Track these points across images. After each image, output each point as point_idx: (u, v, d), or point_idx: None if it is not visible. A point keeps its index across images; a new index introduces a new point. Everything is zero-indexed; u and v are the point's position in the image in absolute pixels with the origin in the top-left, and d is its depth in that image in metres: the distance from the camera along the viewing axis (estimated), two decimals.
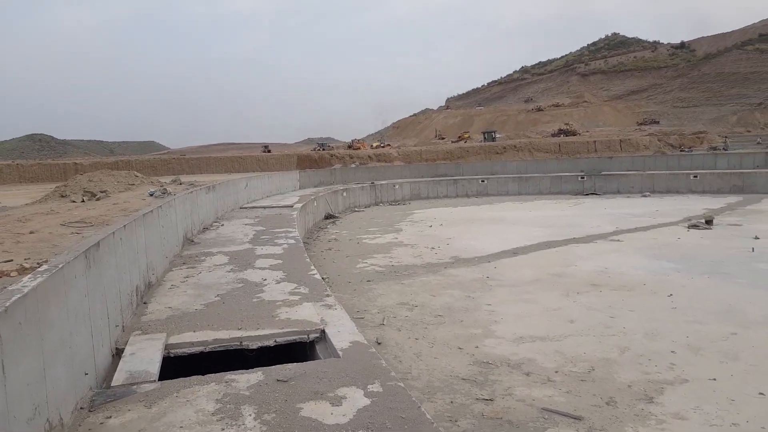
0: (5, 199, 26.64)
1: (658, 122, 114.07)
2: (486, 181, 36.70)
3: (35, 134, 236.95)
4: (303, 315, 6.42)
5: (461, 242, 18.68)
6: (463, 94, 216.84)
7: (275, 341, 5.69)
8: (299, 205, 20.37)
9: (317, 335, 5.81)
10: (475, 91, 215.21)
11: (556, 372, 7.73)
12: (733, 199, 28.00)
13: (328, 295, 7.27)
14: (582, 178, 35.39)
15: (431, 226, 22.88)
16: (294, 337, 5.76)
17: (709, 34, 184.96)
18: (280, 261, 9.85)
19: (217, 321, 6.35)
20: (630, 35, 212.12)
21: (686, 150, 63.12)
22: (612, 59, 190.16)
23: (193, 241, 12.34)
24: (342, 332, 5.73)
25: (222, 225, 15.22)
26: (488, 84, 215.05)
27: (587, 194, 34.12)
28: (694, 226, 19.55)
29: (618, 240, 18.05)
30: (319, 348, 5.65)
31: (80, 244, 4.96)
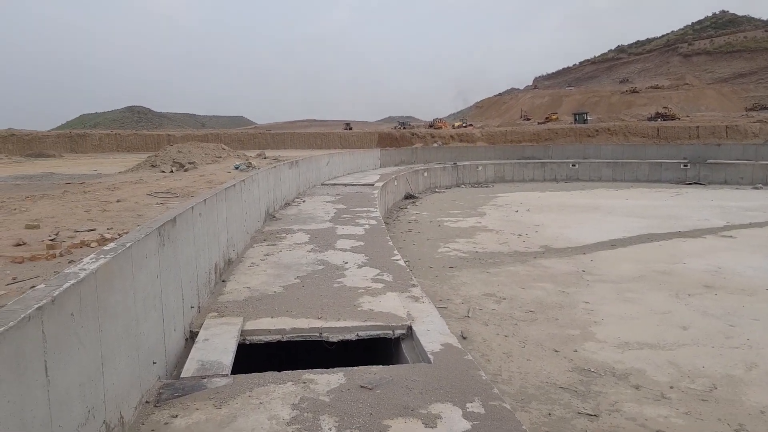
0: (103, 166, 28.03)
1: None
2: (577, 166, 34.68)
3: (134, 106, 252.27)
4: (387, 306, 5.82)
5: (551, 230, 17.49)
6: (553, 73, 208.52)
7: (357, 335, 5.13)
8: (380, 184, 19.87)
9: (403, 332, 5.19)
10: (566, 71, 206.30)
11: (671, 388, 6.73)
12: None
13: (414, 285, 6.64)
14: (685, 165, 32.63)
15: (517, 212, 21.72)
16: (378, 332, 5.17)
17: None
18: (362, 243, 9.33)
19: (296, 306, 5.89)
20: (741, 13, 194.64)
21: None
22: (719, 39, 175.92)
23: (275, 216, 12.10)
24: (431, 331, 5.07)
25: (303, 201, 14.97)
26: (580, 63, 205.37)
27: (690, 183, 31.44)
28: None
29: (730, 236, 16.23)
30: (405, 347, 5.03)
31: (154, 220, 4.57)
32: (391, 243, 9.29)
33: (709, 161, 32.56)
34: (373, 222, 11.48)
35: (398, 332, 5.18)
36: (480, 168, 33.87)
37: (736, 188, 29.13)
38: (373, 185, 19.58)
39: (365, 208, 13.56)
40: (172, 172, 20.49)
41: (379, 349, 5.36)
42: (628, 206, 22.71)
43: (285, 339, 5.03)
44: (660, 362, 7.42)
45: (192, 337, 4.99)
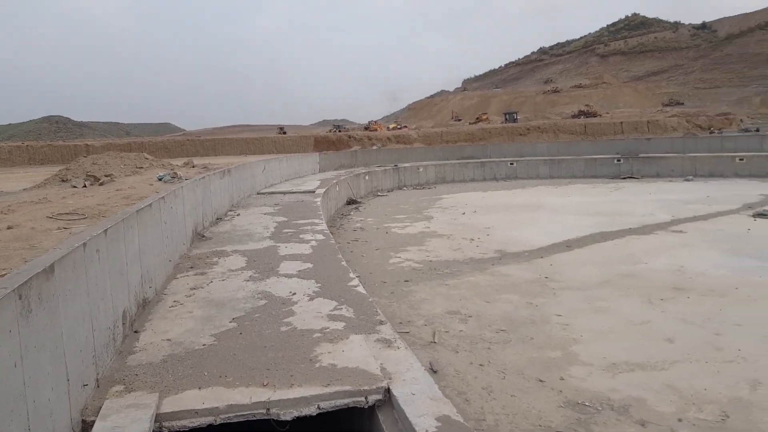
0: (8, 182, 25.06)
1: (682, 104, 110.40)
2: (515, 164, 34.53)
3: (52, 116, 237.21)
4: (353, 358, 4.56)
5: (503, 233, 16.72)
6: (480, 75, 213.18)
7: (318, 407, 3.84)
8: (321, 191, 18.50)
9: (379, 397, 3.95)
10: (492, 73, 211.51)
11: (680, 420, 5.83)
12: None
13: (382, 322, 5.40)
14: (618, 160, 33.09)
15: (464, 213, 20.91)
16: (346, 400, 3.90)
17: (732, 15, 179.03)
18: (310, 265, 8.00)
19: (232, 367, 4.52)
20: (650, 15, 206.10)
21: (717, 132, 60.12)
22: (632, 40, 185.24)
23: (204, 236, 10.54)
24: (418, 395, 3.85)
25: (238, 215, 13.42)
26: (505, 65, 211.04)
27: (624, 178, 31.87)
28: (761, 215, 17.41)
29: (680, 231, 15.98)
30: (383, 419, 3.80)
31: (14, 274, 3.10)
32: (344, 263, 8.01)
33: (640, 155, 33.18)
34: (321, 237, 10.15)
35: (373, 398, 3.92)
36: (421, 169, 33.07)
37: (669, 181, 29.70)
38: (314, 192, 18.19)
39: (309, 220, 12.20)
40: (84, 186, 18.23)
41: (351, 421, 4.10)
42: (572, 203, 22.42)
43: (219, 422, 3.68)
44: (658, 387, 6.54)
45: (85, 429, 3.54)
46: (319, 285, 6.83)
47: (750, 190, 24.13)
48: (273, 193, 18.10)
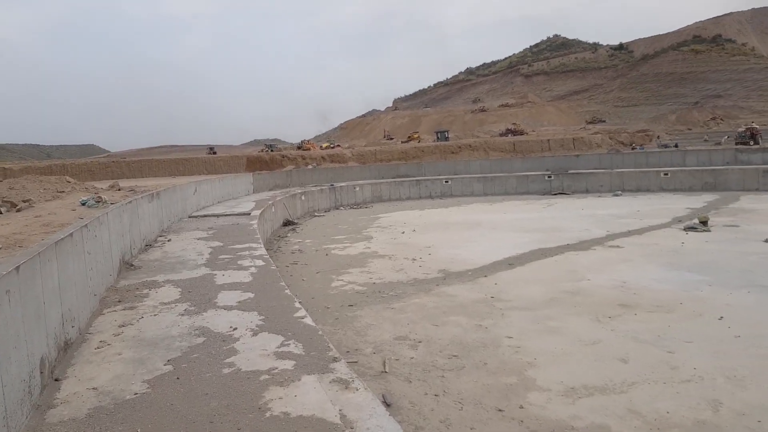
0: None
1: (604, 121, 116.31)
2: (450, 182, 34.87)
3: None
4: (308, 404, 4.07)
5: (444, 251, 16.59)
6: (411, 95, 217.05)
7: None
8: (257, 212, 17.77)
9: None
10: (422, 92, 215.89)
11: None
12: (709, 197, 27.14)
13: (335, 359, 4.94)
14: (549, 177, 34.09)
15: (404, 233, 20.71)
16: None
17: (646, 36, 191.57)
18: (251, 294, 7.41)
19: (170, 421, 3.93)
20: (571, 37, 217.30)
21: (638, 147, 63.46)
22: (554, 60, 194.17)
23: (132, 265, 9.69)
24: None
25: (169, 240, 12.55)
26: (434, 85, 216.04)
27: (555, 194, 32.82)
28: (692, 228, 18.19)
29: (617, 246, 16.39)
30: None
31: None
32: (288, 291, 7.47)
33: (570, 171, 34.32)
34: (260, 263, 9.54)
35: None
36: (357, 188, 32.76)
37: (599, 196, 30.80)
38: (249, 214, 17.43)
39: (246, 244, 11.53)
40: (0, 213, 16.69)
41: None
42: (509, 220, 22.71)
43: None
44: (619, 411, 6.39)
45: None
46: (262, 317, 6.28)
47: (676, 203, 25.32)
48: (206, 216, 17.20)
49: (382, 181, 35.01)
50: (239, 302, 7.04)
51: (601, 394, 6.84)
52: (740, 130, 56.87)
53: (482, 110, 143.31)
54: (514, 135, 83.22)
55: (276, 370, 4.75)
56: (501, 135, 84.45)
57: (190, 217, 17.02)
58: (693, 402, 6.50)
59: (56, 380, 4.79)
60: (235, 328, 5.97)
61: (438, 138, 78.51)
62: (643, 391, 6.88)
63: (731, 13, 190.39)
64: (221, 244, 11.74)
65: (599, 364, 7.77)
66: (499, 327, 9.62)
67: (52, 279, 5.21)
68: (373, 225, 23.48)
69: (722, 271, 12.63)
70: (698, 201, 25.74)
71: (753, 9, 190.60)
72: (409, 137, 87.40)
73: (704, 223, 18.38)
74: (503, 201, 30.63)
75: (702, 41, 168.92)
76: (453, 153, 64.70)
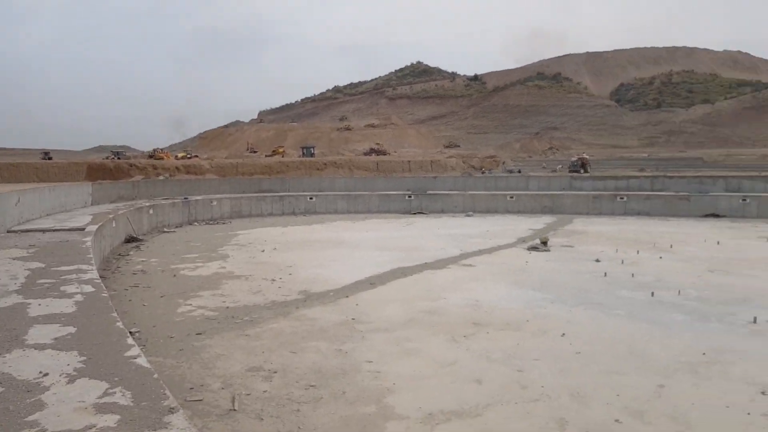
0: None
1: (459, 146, 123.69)
2: (314, 198, 34.44)
3: None
4: None
5: (306, 271, 16.04)
6: (277, 108, 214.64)
7: None
8: (94, 228, 15.87)
9: None
10: (289, 107, 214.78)
11: None
12: (547, 219, 29.52)
13: (172, 409, 4.17)
14: (409, 196, 35.03)
15: (263, 251, 19.82)
16: None
17: (497, 70, 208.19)
18: (72, 329, 6.28)
19: None
20: (432, 65, 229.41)
21: (487, 172, 68.11)
22: (416, 86, 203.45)
23: None
24: None
25: None
26: (301, 100, 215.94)
27: (414, 213, 33.75)
28: (534, 248, 19.47)
29: (470, 265, 16.99)
30: None
31: None
32: (120, 324, 6.44)
33: (428, 192, 35.57)
34: (89, 289, 8.26)
35: None
36: (215, 203, 31.06)
37: (453, 216, 32.18)
38: (83, 229, 15.49)
39: (75, 266, 10.05)
40: None
41: None
42: (370, 239, 22.76)
43: None
44: None
45: None
46: (83, 358, 5.27)
47: (521, 224, 27.14)
48: (29, 231, 14.98)
49: (242, 195, 33.59)
50: (56, 339, 5.92)
51: (458, 419, 6.73)
52: (573, 159, 63.38)
53: (348, 129, 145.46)
54: (378, 155, 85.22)
55: (94, 430, 3.89)
56: (365, 154, 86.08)
57: (9, 231, 14.71)
58: (542, 422, 6.62)
59: None
60: (46, 374, 4.92)
61: (304, 153, 77.99)
62: (496, 412, 6.89)
63: (569, 54, 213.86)
64: (43, 265, 10.13)
65: (455, 386, 7.71)
66: (359, 351, 9.29)
67: None
68: (230, 242, 22.23)
69: (561, 288, 13.53)
70: (539, 222, 27.88)
71: (587, 52, 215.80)
72: (273, 151, 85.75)
73: (545, 243, 19.79)
74: (366, 219, 30.81)
75: (544, 78, 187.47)
76: (318, 169, 64.44)
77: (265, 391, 7.64)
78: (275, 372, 8.35)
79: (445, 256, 18.41)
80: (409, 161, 73.60)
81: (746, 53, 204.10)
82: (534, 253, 18.94)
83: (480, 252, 19.32)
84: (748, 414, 6.75)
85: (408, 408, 7.05)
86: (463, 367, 8.47)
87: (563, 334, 10.00)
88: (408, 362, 8.73)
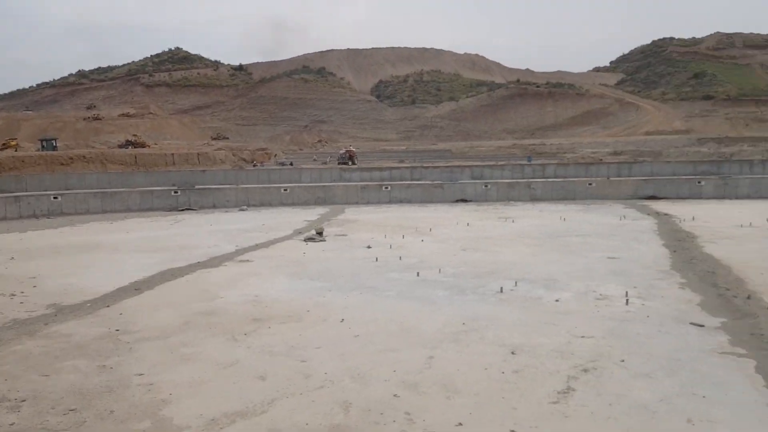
0: None
1: (228, 138, 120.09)
2: (60, 198, 30.16)
3: None
4: None
5: (55, 281, 14.02)
6: (6, 94, 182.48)
7: None
8: None
9: None
10: (22, 92, 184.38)
11: None
12: (321, 210, 30.41)
13: None
14: (176, 192, 32.88)
15: None
16: None
17: (264, 61, 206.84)
18: None
19: None
20: (193, 52, 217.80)
21: (259, 164, 67.49)
22: (176, 73, 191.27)
23: None
24: None
25: None
26: (38, 85, 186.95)
27: (183, 210, 31.86)
28: (310, 239, 19.90)
29: (247, 260, 16.67)
30: None
31: None
32: None
33: (197, 187, 33.85)
34: None
35: None
36: None
37: (226, 211, 31.17)
38: None
39: None
40: None
41: None
42: (133, 240, 20.87)
43: None
44: None
45: None
46: None
47: (296, 216, 27.44)
48: None
49: None
50: None
51: (243, 419, 6.57)
52: (341, 152, 66.33)
53: (97, 118, 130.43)
54: (135, 147, 78.16)
55: None
56: (120, 146, 78.23)
57: None
58: (327, 408, 6.81)
59: None
60: None
61: (43, 147, 67.63)
62: (281, 406, 6.89)
63: (332, 50, 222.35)
64: None
65: (238, 387, 7.51)
66: (127, 364, 8.44)
67: None
68: None
69: (338, 276, 14.11)
70: (313, 214, 28.61)
71: (348, 49, 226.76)
72: (4, 144, 72.70)
73: (320, 233, 20.39)
74: (125, 219, 28.05)
75: (310, 71, 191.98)
76: (63, 164, 56.45)
77: (12, 424, 6.50)
78: (23, 400, 7.15)
79: (220, 253, 17.76)
80: (173, 154, 68.92)
81: (482, 56, 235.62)
82: (310, 243, 19.35)
83: (257, 246, 19.06)
84: (503, 373, 7.83)
85: (188, 417, 6.65)
86: (246, 366, 8.28)
87: (342, 319, 10.43)
88: (185, 369, 8.22)
